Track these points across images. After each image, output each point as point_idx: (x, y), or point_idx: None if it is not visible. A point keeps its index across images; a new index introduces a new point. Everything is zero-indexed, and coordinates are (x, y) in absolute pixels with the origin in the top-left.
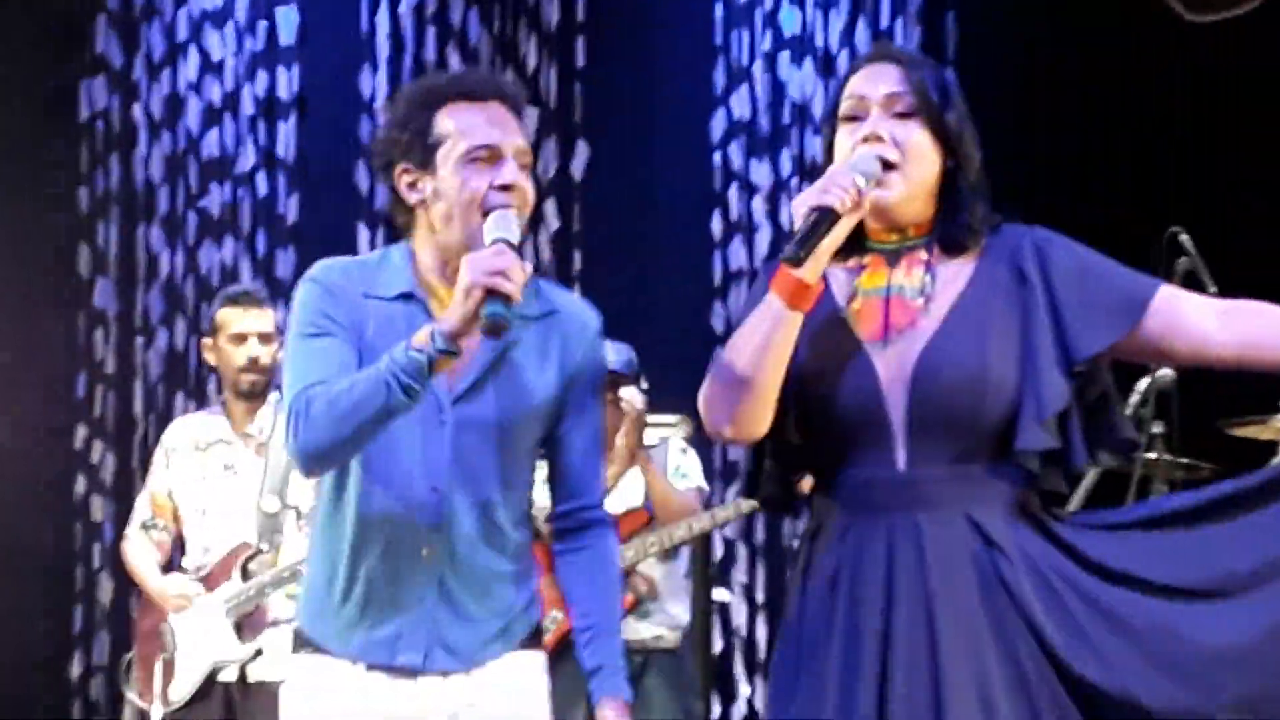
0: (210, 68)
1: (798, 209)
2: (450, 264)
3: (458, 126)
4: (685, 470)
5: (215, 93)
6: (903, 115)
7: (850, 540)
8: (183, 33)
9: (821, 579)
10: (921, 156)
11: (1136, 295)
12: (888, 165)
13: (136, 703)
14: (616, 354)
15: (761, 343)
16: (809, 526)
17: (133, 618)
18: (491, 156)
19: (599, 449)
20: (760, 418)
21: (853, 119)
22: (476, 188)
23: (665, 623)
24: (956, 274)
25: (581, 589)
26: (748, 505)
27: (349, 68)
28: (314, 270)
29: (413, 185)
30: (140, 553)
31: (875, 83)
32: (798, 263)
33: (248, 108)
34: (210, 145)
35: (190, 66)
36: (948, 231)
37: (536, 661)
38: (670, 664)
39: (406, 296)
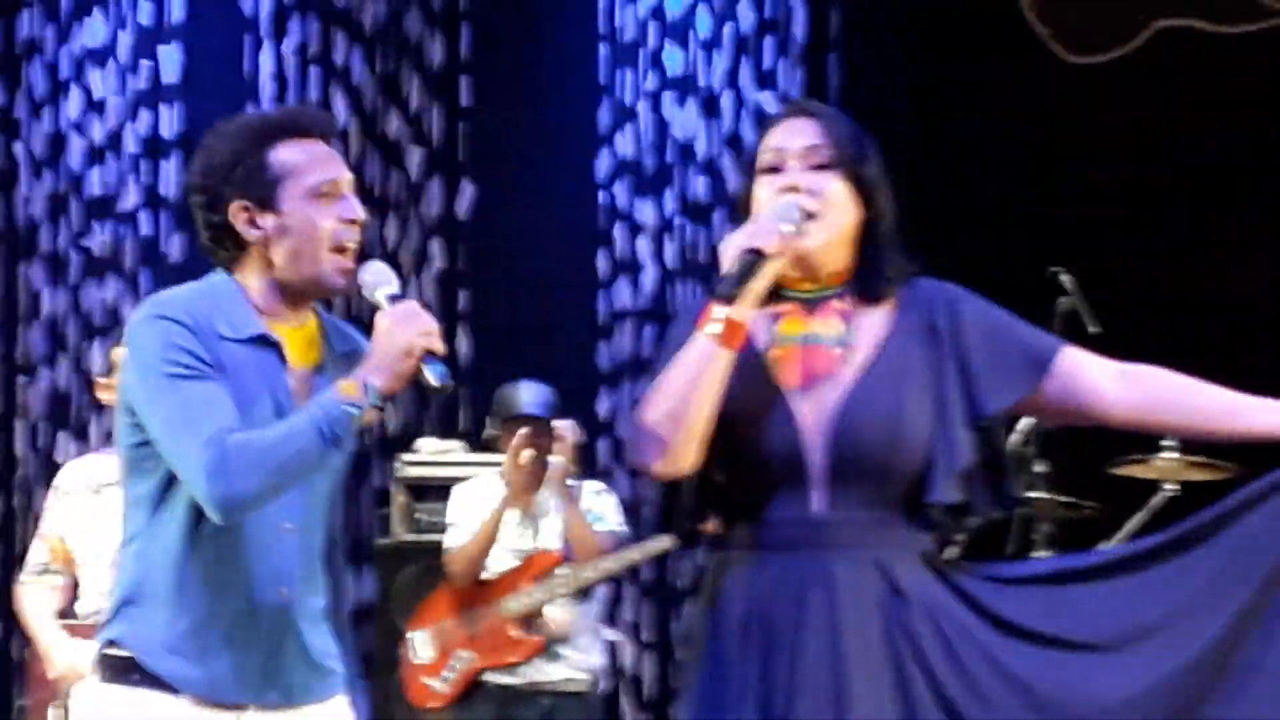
0: (93, 106)
1: (726, 251)
2: (286, 300)
3: (297, 162)
4: (601, 513)
5: (98, 131)
6: (821, 167)
7: (762, 579)
8: (65, 71)
9: (733, 617)
10: (840, 206)
11: (1039, 355)
12: (807, 215)
13: None
14: (533, 395)
15: (694, 380)
16: (715, 562)
17: (18, 661)
18: (334, 190)
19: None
20: (690, 453)
21: (771, 170)
22: (327, 225)
23: (576, 665)
24: (874, 324)
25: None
26: (657, 548)
27: (232, 107)
28: (159, 306)
29: (251, 222)
30: (35, 602)
31: (794, 135)
32: (730, 300)
33: (131, 146)
34: (93, 184)
35: (73, 105)
36: (865, 281)
37: (346, 711)
38: (579, 707)
39: (260, 340)
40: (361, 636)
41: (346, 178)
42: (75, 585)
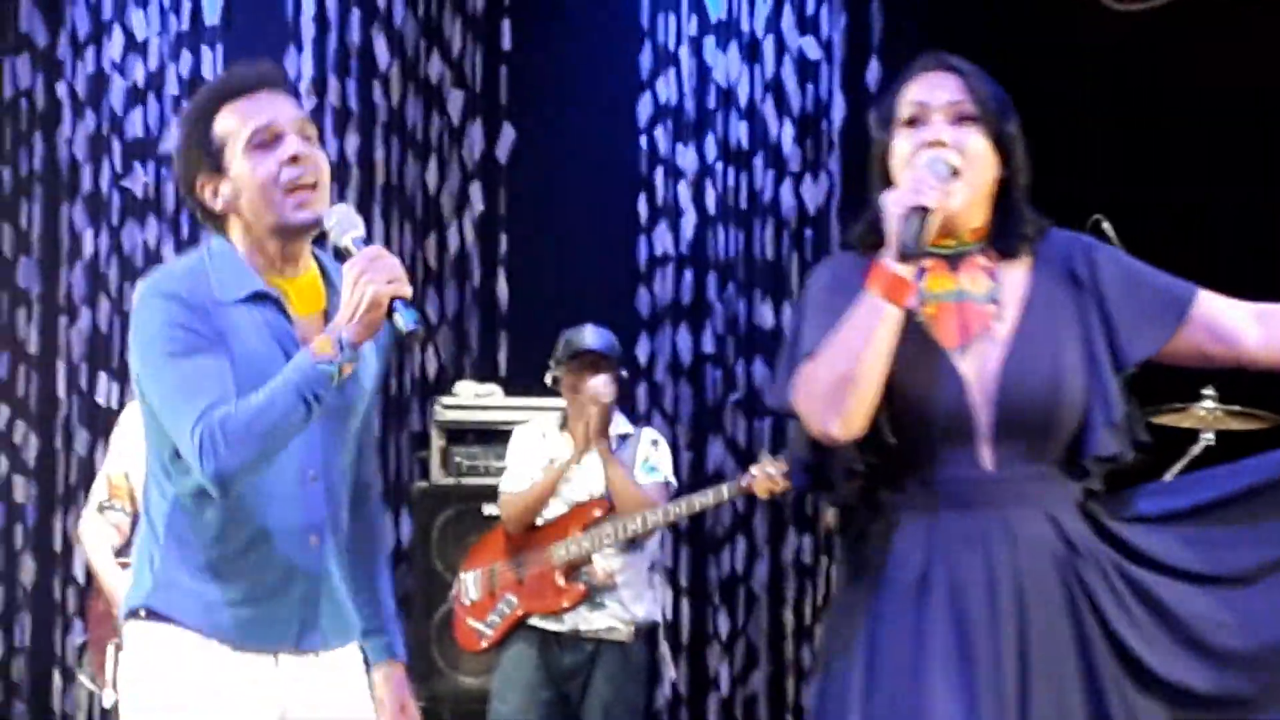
0: (134, 47)
1: (892, 209)
2: (273, 253)
3: (233, 122)
4: (654, 463)
5: (139, 72)
6: (963, 122)
7: (942, 538)
8: (108, 11)
9: (907, 577)
10: (983, 162)
11: (1177, 301)
12: (953, 170)
13: (88, 685)
14: (598, 337)
15: (867, 341)
16: (874, 524)
17: (56, 600)
18: (272, 136)
19: (372, 424)
20: (865, 415)
21: (911, 123)
22: (267, 170)
23: (618, 615)
24: (1016, 280)
25: (355, 557)
26: (700, 502)
27: (273, 49)
28: (156, 285)
29: (214, 193)
30: (95, 537)
31: (936, 89)
32: (916, 258)
33: (172, 88)
34: (134, 125)
35: (115, 45)
36: (1004, 237)
37: (359, 657)
38: (618, 656)
39: (259, 296)
40: (399, 580)
41: (285, 118)
42: (135, 522)
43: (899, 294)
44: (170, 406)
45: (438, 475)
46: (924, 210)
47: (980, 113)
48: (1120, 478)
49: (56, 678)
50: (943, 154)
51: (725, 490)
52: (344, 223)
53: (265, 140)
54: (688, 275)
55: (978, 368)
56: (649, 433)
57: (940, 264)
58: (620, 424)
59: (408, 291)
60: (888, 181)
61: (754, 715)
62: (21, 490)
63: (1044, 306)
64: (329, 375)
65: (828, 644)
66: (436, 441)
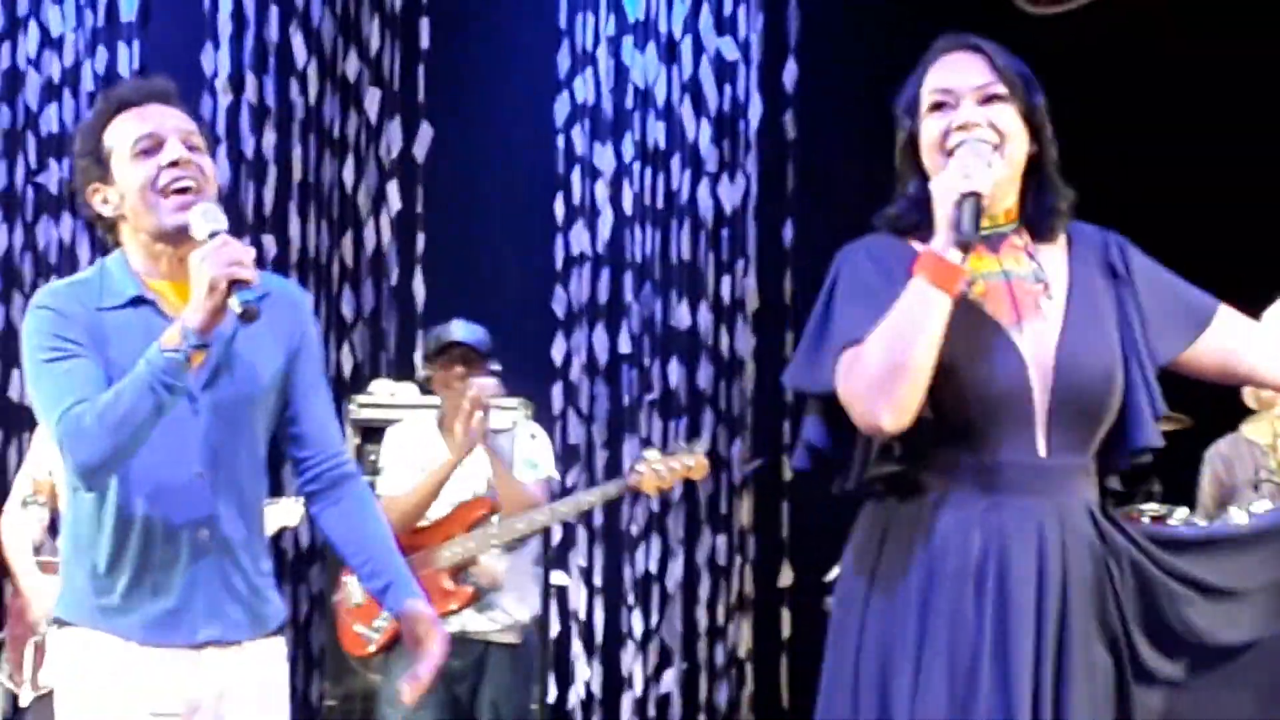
0: (50, 43)
1: (943, 196)
2: (165, 257)
3: (119, 133)
4: (536, 459)
5: (55, 68)
6: (992, 101)
7: (992, 525)
8: (23, 7)
9: (955, 562)
10: (1017, 139)
11: (1200, 310)
12: (992, 150)
13: (5, 684)
14: (470, 332)
15: (918, 329)
16: (919, 508)
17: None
18: (154, 143)
19: (333, 412)
20: (916, 404)
21: (939, 108)
22: (147, 174)
23: (505, 615)
24: (1054, 261)
25: (351, 532)
26: (586, 501)
27: (191, 45)
28: (39, 298)
29: (104, 200)
30: (14, 535)
31: (962, 72)
32: (972, 245)
33: (88, 84)
34: (49, 121)
35: (30, 41)
36: (1037, 217)
37: (282, 649)
38: (508, 657)
39: (137, 301)
40: (311, 578)
41: (168, 127)
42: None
43: (951, 281)
44: (43, 408)
45: None
46: (977, 196)
47: (1009, 90)
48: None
49: None
50: (981, 135)
51: (611, 488)
52: (206, 218)
53: (148, 147)
54: (604, 275)
55: (1034, 347)
56: (526, 426)
57: (979, 245)
58: (495, 419)
59: (248, 275)
60: (918, 169)
61: (667, 715)
62: None
63: (1086, 292)
64: (176, 363)
65: (846, 633)
66: (351, 439)
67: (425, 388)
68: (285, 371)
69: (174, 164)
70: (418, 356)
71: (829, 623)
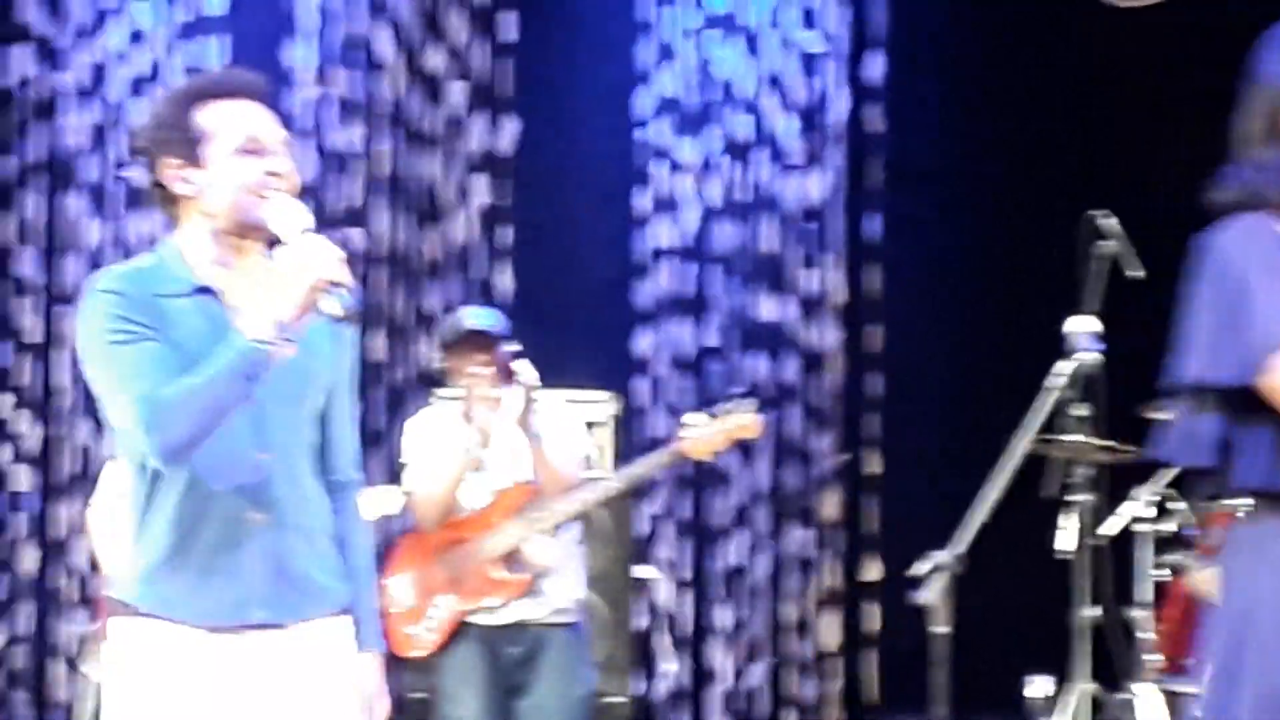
0: (136, 37)
1: None
2: (227, 251)
3: (221, 121)
4: (568, 438)
5: (142, 62)
6: None
7: None
8: (110, 1)
9: None
10: None
11: None
12: None
13: (93, 675)
14: (485, 318)
15: None
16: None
17: (56, 588)
18: (258, 146)
19: (354, 419)
20: None
21: None
22: (251, 176)
23: (556, 599)
24: None
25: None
26: (634, 475)
27: (276, 40)
28: (99, 282)
29: (184, 179)
30: (106, 526)
31: None
32: None
33: (175, 78)
34: (136, 115)
35: (117, 35)
36: None
37: (344, 630)
38: (564, 639)
39: (201, 290)
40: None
41: (272, 134)
42: None
43: None
44: (115, 389)
45: None
46: None
47: None
48: (1113, 474)
49: (57, 666)
50: None
51: (661, 456)
52: (292, 214)
53: (253, 148)
54: (689, 269)
55: None
56: (554, 404)
57: None
58: (527, 398)
59: (344, 277)
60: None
61: (754, 709)
62: (24, 479)
63: None
64: (265, 354)
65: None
66: None
67: (441, 379)
68: (331, 368)
69: (274, 174)
70: (434, 348)
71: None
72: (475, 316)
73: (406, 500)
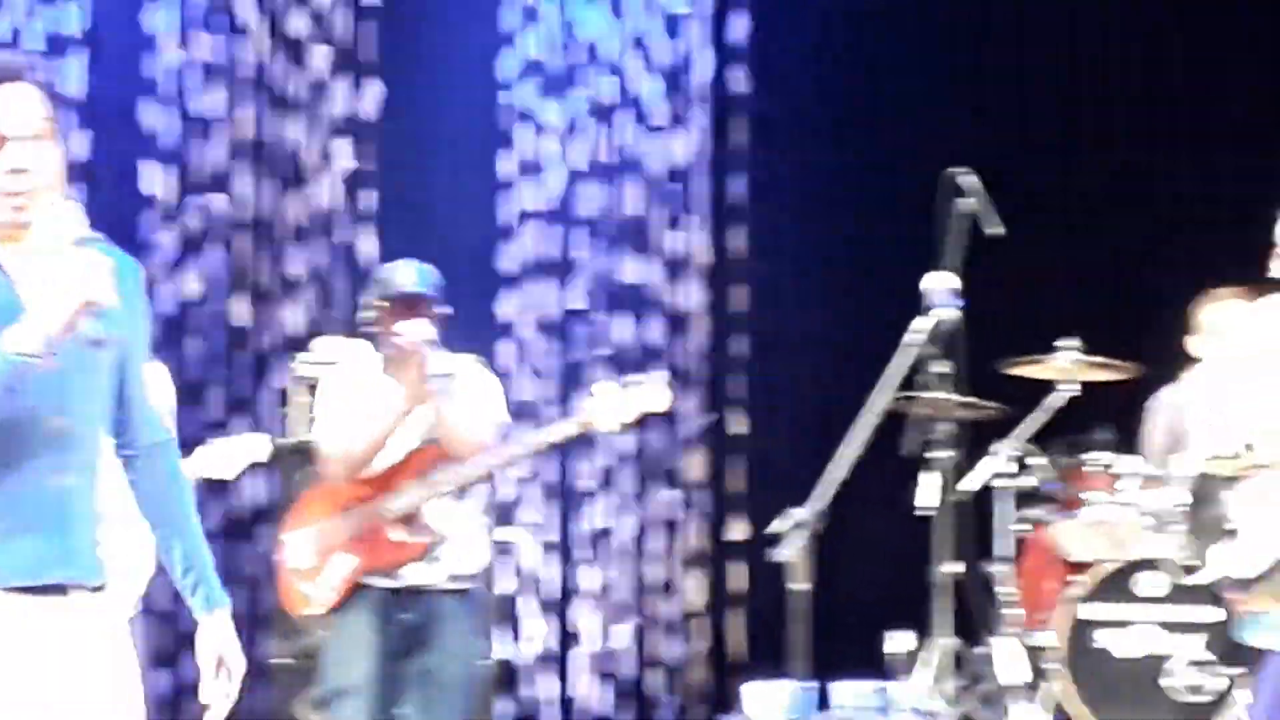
0: None
1: None
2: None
3: None
4: (484, 402)
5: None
6: None
7: None
8: None
9: None
10: None
11: None
12: None
13: None
14: (418, 277)
15: None
16: None
17: None
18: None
19: (153, 380)
20: None
21: None
22: None
23: (454, 566)
24: None
25: (160, 505)
26: (537, 441)
27: (138, 3)
28: None
29: None
30: None
31: None
32: None
33: (32, 43)
34: None
35: None
36: None
37: (115, 605)
38: (457, 608)
39: None
40: (263, 537)
41: (19, 124)
42: None
43: None
44: None
45: (299, 431)
46: None
47: None
48: (973, 431)
49: None
50: None
51: (567, 426)
52: (58, 224)
53: None
54: (554, 231)
55: None
56: (471, 366)
57: None
58: (442, 360)
59: (108, 298)
60: None
61: (619, 669)
62: None
63: None
64: (27, 366)
65: None
66: (297, 397)
67: (368, 334)
68: (123, 333)
69: (16, 171)
70: (363, 301)
71: None
72: (410, 276)
73: (320, 454)
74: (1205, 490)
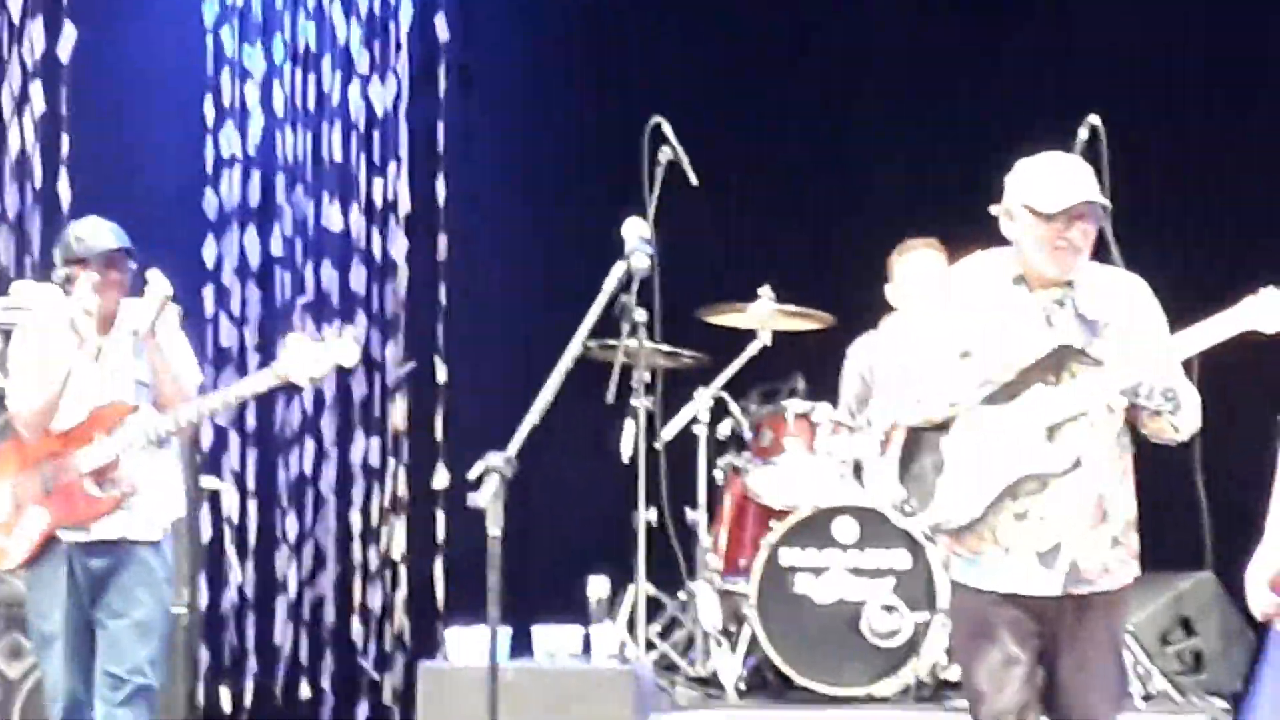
0: None
1: None
2: None
3: None
4: (185, 353)
5: None
6: None
7: None
8: None
9: None
10: None
11: None
12: None
13: None
14: (119, 234)
15: None
16: None
17: None
18: None
19: None
20: None
21: None
22: None
23: (147, 515)
24: None
25: None
26: (235, 394)
27: None
28: None
29: None
30: None
31: None
32: None
33: None
34: None
35: None
36: None
37: None
38: (148, 554)
39: None
40: None
41: None
42: None
43: None
44: None
45: None
46: None
47: None
48: (672, 378)
49: None
50: None
51: (261, 379)
52: None
53: None
54: (255, 177)
55: None
56: (170, 319)
57: None
58: (137, 315)
59: None
60: None
61: (321, 617)
62: None
63: None
64: None
65: None
66: None
67: (65, 288)
68: None
69: None
70: (57, 255)
71: None
72: (103, 233)
73: (10, 410)
74: (917, 436)
